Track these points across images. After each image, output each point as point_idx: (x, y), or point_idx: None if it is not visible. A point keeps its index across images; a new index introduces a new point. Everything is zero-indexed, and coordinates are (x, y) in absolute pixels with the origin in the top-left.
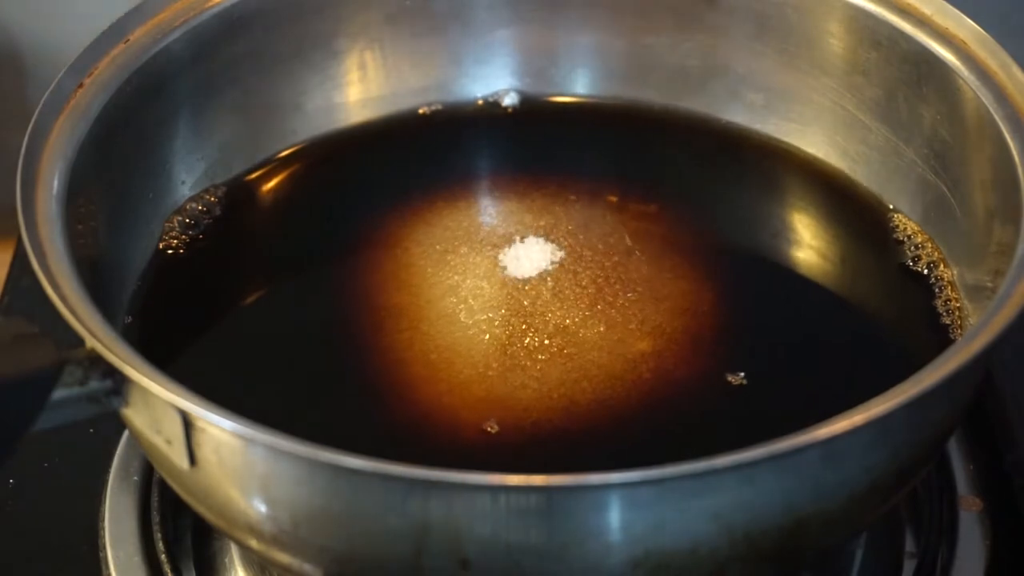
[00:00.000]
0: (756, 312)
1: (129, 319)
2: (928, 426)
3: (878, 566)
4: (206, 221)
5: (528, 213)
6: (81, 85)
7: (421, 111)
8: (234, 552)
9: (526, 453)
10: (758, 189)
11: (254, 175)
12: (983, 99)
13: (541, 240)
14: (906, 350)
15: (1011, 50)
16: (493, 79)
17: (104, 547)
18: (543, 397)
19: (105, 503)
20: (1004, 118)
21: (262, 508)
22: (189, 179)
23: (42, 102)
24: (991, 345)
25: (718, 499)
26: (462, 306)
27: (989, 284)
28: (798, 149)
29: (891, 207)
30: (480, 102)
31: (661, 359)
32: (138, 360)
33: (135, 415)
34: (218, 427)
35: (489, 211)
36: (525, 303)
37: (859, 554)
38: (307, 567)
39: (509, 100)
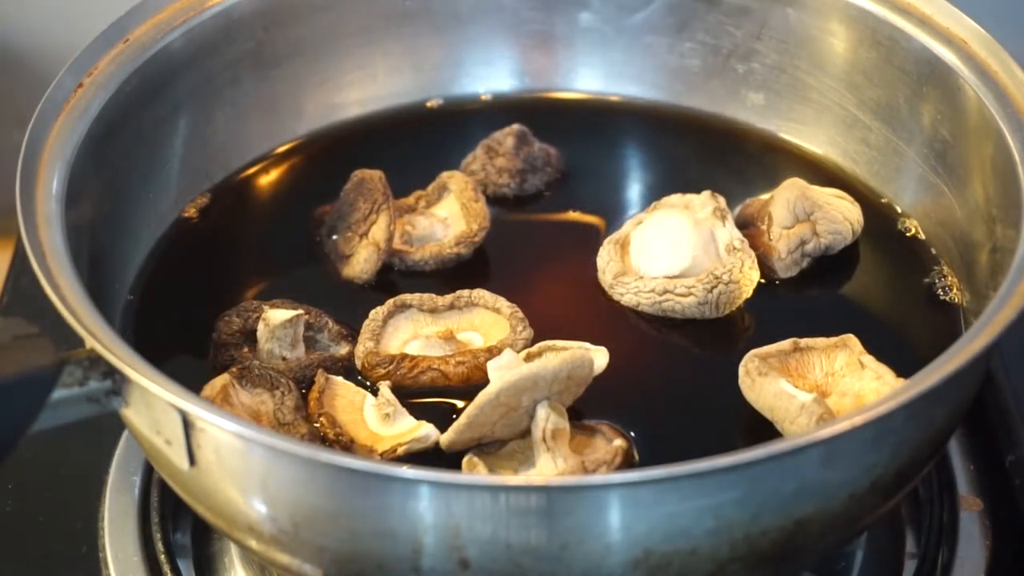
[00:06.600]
0: (754, 309)
1: (128, 317)
2: (928, 426)
3: (879, 567)
4: (205, 220)
5: None
6: (81, 85)
7: (429, 104)
8: (234, 552)
9: None
10: (759, 185)
11: (252, 171)
12: (983, 98)
13: None
14: (906, 349)
15: (1011, 50)
16: (494, 77)
17: (104, 547)
18: None
19: (105, 503)
20: (1004, 117)
21: (262, 508)
22: (189, 178)
23: (42, 102)
24: (991, 345)
25: (718, 499)
26: None
27: (989, 283)
28: (798, 147)
29: (891, 206)
30: (484, 98)
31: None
32: (137, 360)
33: (135, 415)
34: (218, 427)
35: None
36: None
37: (859, 555)
38: (307, 567)
39: (512, 96)
